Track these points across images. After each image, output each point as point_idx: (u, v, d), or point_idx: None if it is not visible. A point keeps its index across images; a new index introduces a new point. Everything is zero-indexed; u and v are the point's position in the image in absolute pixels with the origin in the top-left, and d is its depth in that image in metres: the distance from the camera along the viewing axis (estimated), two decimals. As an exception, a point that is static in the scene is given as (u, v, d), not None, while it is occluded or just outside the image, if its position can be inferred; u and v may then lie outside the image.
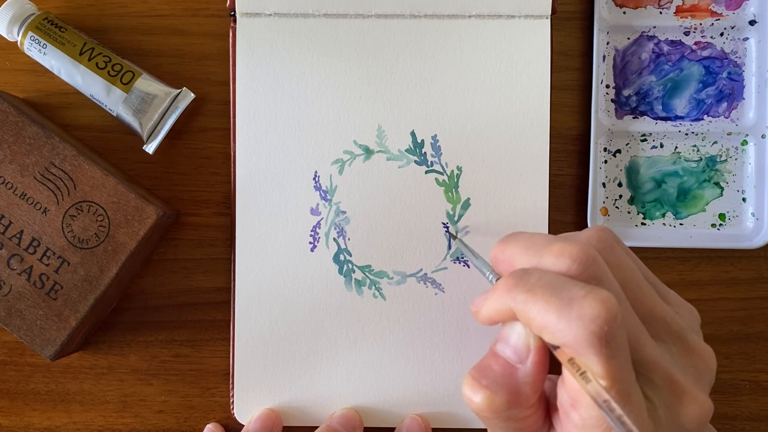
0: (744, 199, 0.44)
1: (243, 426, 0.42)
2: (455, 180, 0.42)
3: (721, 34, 0.44)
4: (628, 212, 0.44)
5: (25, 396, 0.44)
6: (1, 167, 0.39)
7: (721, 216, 0.44)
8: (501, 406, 0.30)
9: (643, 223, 0.44)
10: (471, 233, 0.42)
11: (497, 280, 0.33)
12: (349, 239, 0.42)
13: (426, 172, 0.43)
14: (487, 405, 0.30)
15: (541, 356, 0.30)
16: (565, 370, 0.29)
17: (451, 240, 0.42)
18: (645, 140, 0.44)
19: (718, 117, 0.44)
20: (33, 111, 0.42)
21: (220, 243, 0.44)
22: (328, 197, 0.42)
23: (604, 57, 0.44)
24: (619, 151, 0.44)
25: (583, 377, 0.27)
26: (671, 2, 0.44)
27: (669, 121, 0.44)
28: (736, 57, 0.44)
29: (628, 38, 0.44)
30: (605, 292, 0.27)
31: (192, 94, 0.42)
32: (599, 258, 0.29)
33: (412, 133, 0.42)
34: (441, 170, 0.43)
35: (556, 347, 0.28)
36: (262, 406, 0.42)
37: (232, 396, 0.42)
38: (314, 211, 0.42)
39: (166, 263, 0.44)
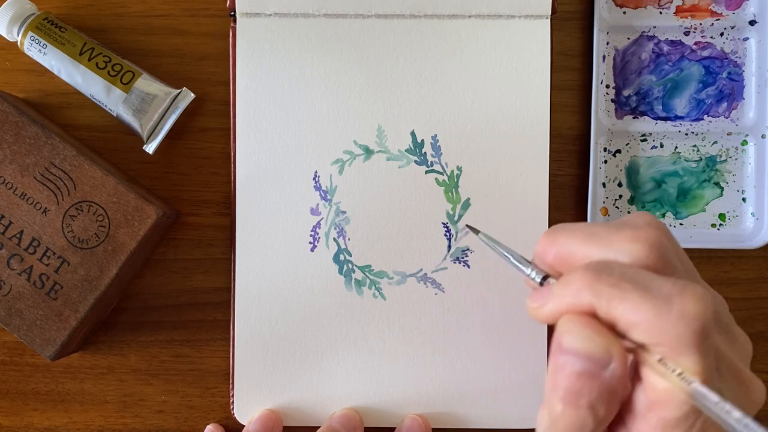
0: (744, 199, 0.44)
1: (243, 426, 0.42)
2: (455, 180, 0.42)
3: (721, 34, 0.44)
4: (628, 212, 0.44)
5: (25, 396, 0.44)
6: (1, 167, 0.39)
7: (721, 216, 0.44)
8: (606, 418, 0.28)
9: (643, 223, 0.44)
10: (471, 233, 0.42)
11: (544, 277, 0.31)
12: (349, 239, 0.42)
13: (426, 172, 0.43)
14: (594, 420, 0.27)
15: (625, 356, 0.27)
16: (645, 372, 0.27)
17: (478, 236, 0.38)
18: (645, 140, 0.44)
19: (718, 117, 0.44)
20: (33, 111, 0.42)
21: (220, 243, 0.44)
22: (328, 197, 0.42)
23: (604, 57, 0.44)
24: (619, 151, 0.44)
25: (682, 377, 0.26)
26: (671, 2, 0.44)
27: (669, 121, 0.44)
28: (736, 57, 0.44)
29: (628, 38, 0.44)
30: (699, 287, 0.26)
31: (192, 94, 0.42)
32: (668, 243, 0.28)
33: (412, 133, 0.42)
34: (441, 170, 0.43)
35: (639, 347, 0.27)
36: (262, 407, 0.42)
37: (232, 396, 0.42)
38: (314, 211, 0.42)
39: (166, 263, 0.44)
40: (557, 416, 0.28)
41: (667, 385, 0.26)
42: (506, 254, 0.33)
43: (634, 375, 0.28)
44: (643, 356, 0.27)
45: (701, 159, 0.44)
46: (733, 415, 0.25)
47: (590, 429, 0.28)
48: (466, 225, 0.42)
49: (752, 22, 0.44)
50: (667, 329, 0.25)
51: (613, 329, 0.27)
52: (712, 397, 0.25)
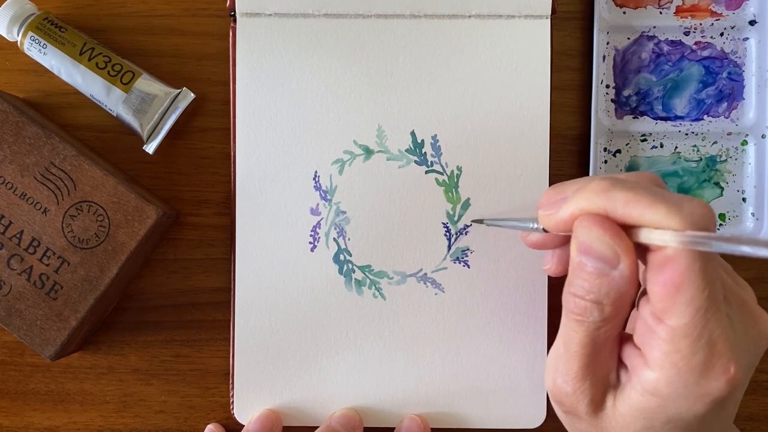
0: (744, 199, 0.44)
1: (243, 426, 0.42)
2: (455, 180, 0.42)
3: (721, 34, 0.44)
4: (628, 212, 0.44)
5: (25, 396, 0.44)
6: (1, 167, 0.39)
7: (721, 216, 0.44)
8: (612, 316, 0.30)
9: (643, 223, 0.44)
10: (471, 233, 0.42)
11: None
12: (349, 239, 0.42)
13: (426, 172, 0.43)
14: (597, 315, 0.30)
15: (635, 257, 0.30)
16: (653, 286, 0.29)
17: (485, 223, 0.42)
18: (645, 140, 0.44)
19: (718, 117, 0.44)
20: (33, 111, 0.42)
21: (220, 243, 0.44)
22: (328, 197, 0.42)
23: (604, 57, 0.44)
24: (619, 151, 0.44)
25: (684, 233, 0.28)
26: (671, 2, 0.44)
27: (669, 121, 0.44)
28: (736, 57, 0.44)
29: (628, 38, 0.44)
30: (701, 200, 0.29)
31: (192, 94, 0.42)
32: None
33: (412, 133, 0.42)
34: (441, 170, 0.43)
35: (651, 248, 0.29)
36: (262, 406, 0.42)
37: (232, 396, 0.42)
38: (314, 211, 0.42)
39: (166, 263, 0.44)
40: (568, 310, 0.30)
41: (671, 249, 0.28)
42: (514, 223, 0.37)
43: (640, 295, 0.31)
44: (647, 234, 0.29)
45: (701, 159, 0.44)
46: (742, 247, 0.26)
47: (596, 323, 0.30)
48: (472, 221, 0.42)
49: (752, 22, 0.44)
50: (677, 227, 0.28)
51: (625, 232, 0.30)
52: (711, 234, 0.27)
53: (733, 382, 0.28)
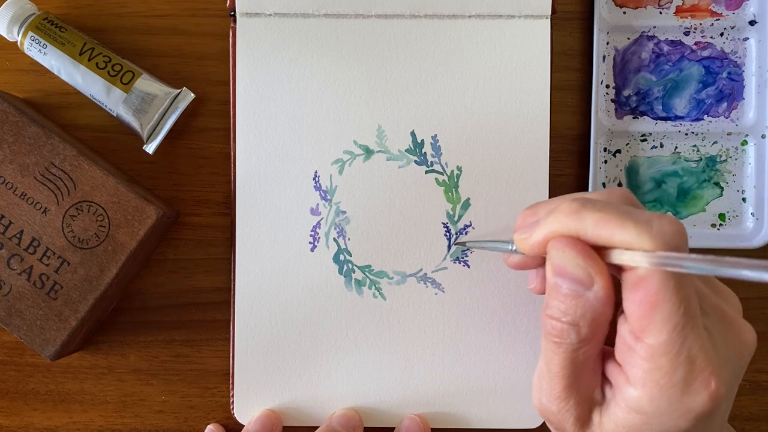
0: (744, 199, 0.44)
1: (243, 426, 0.42)
2: (455, 180, 0.42)
3: (721, 34, 0.44)
4: (628, 212, 0.44)
5: (25, 396, 0.44)
6: (1, 167, 0.39)
7: (721, 216, 0.44)
8: (589, 337, 0.30)
9: (643, 223, 0.44)
10: (471, 233, 0.42)
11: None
12: (349, 239, 0.42)
13: (426, 172, 0.43)
14: (575, 337, 0.30)
15: (609, 277, 0.30)
16: (629, 305, 0.29)
17: (467, 246, 0.42)
18: (645, 140, 0.44)
19: (718, 117, 0.44)
20: (33, 111, 0.42)
21: (220, 243, 0.44)
22: (328, 197, 0.42)
23: (604, 57, 0.44)
24: (619, 151, 0.44)
25: (651, 255, 0.28)
26: (671, 2, 0.44)
27: (669, 121, 0.44)
28: (736, 57, 0.44)
29: (628, 38, 0.44)
30: (672, 216, 0.29)
31: (192, 94, 0.42)
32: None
33: (412, 133, 0.42)
34: (441, 170, 0.43)
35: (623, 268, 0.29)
36: (262, 406, 0.42)
37: (232, 396, 0.42)
38: (314, 211, 0.42)
39: (166, 263, 0.44)
40: (546, 332, 0.31)
41: (643, 269, 0.28)
42: (494, 245, 0.37)
43: (619, 313, 0.31)
44: (626, 276, 0.29)
45: (701, 159, 0.44)
46: (702, 264, 0.26)
47: (574, 344, 0.30)
48: (455, 243, 0.42)
49: (752, 22, 0.44)
50: (648, 247, 0.28)
51: (596, 253, 0.30)
52: (682, 255, 0.27)
53: (715, 396, 0.28)
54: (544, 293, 0.37)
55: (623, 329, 0.30)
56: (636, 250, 0.28)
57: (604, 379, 0.32)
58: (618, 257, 0.29)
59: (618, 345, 0.31)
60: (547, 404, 0.32)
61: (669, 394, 0.28)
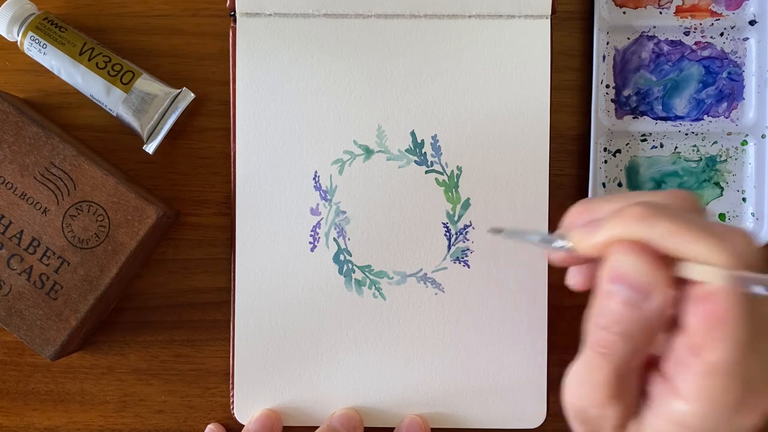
0: (744, 199, 0.44)
1: (243, 426, 0.42)
2: (455, 180, 0.42)
3: (721, 34, 0.44)
4: (628, 212, 0.44)
5: (25, 396, 0.44)
6: (1, 167, 0.39)
7: (721, 216, 0.44)
8: (637, 349, 0.29)
9: (643, 223, 0.44)
10: (471, 233, 0.42)
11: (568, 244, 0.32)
12: (349, 239, 0.42)
13: (426, 172, 0.43)
14: (624, 349, 0.29)
15: (671, 290, 0.28)
16: (692, 319, 0.28)
17: (503, 234, 0.38)
18: (645, 140, 0.44)
19: (718, 117, 0.44)
20: (33, 111, 0.42)
21: (220, 243, 0.44)
22: (328, 197, 0.42)
23: (604, 57, 0.44)
24: (619, 151, 0.44)
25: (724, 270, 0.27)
26: (671, 2, 0.44)
27: (669, 121, 0.44)
28: (736, 57, 0.44)
29: (628, 38, 0.44)
30: (746, 232, 0.28)
31: (192, 94, 0.42)
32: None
33: (412, 133, 0.42)
34: (441, 170, 0.43)
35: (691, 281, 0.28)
36: (262, 406, 0.42)
37: (232, 396, 0.42)
38: (314, 211, 0.42)
39: (166, 263, 0.44)
40: (593, 341, 0.29)
41: (713, 285, 0.27)
42: (536, 239, 0.35)
43: (674, 325, 0.29)
44: (690, 268, 0.28)
45: (701, 159, 0.44)
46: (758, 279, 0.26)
47: (621, 357, 0.29)
48: (489, 230, 0.40)
49: (752, 22, 0.44)
50: (723, 263, 0.27)
51: (662, 263, 0.28)
52: (759, 276, 0.26)
53: (765, 417, 0.28)
54: (583, 290, 0.35)
55: (679, 342, 0.29)
56: (710, 265, 0.27)
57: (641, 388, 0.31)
58: (689, 271, 0.28)
59: (670, 357, 0.29)
60: (587, 409, 0.31)
61: (719, 413, 0.28)
